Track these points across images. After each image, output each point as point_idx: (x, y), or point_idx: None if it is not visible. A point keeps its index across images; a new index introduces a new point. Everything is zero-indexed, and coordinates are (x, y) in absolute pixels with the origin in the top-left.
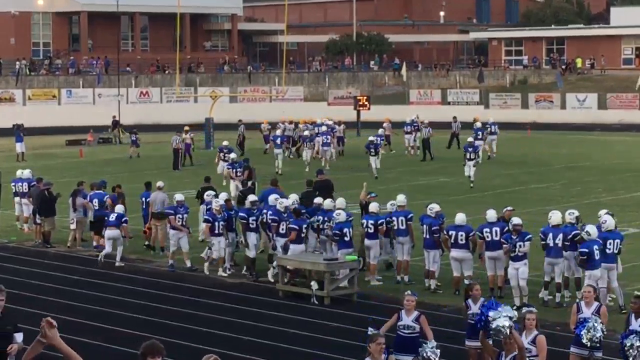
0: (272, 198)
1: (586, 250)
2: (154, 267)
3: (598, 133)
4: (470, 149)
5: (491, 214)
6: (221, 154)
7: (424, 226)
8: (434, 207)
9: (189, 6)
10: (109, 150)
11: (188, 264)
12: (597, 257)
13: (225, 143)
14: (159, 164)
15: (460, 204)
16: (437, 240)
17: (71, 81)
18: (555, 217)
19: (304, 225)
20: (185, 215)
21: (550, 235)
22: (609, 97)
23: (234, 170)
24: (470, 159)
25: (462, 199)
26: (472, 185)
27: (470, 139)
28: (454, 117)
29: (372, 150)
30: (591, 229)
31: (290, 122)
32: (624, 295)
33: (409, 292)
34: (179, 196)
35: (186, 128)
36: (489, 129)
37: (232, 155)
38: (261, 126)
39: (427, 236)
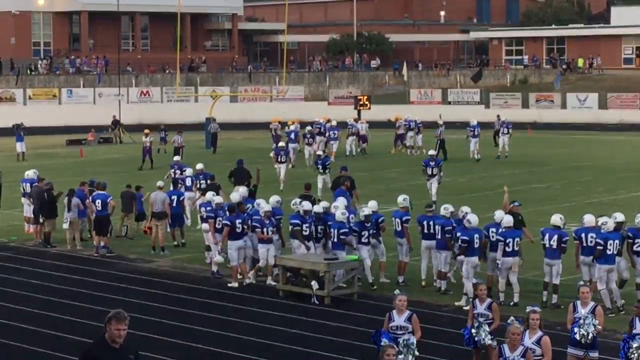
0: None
1: (467, 238)
2: (154, 266)
3: (598, 133)
4: (431, 164)
5: (499, 215)
6: (172, 171)
7: (435, 226)
8: (449, 207)
9: (189, 6)
10: (109, 150)
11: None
12: (476, 245)
13: (176, 158)
14: (159, 163)
15: (461, 204)
16: (449, 241)
17: (72, 81)
18: (554, 218)
19: (238, 221)
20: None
21: (547, 236)
22: (609, 97)
23: (198, 182)
24: (431, 175)
25: (463, 199)
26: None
27: (431, 152)
28: (498, 116)
29: (320, 167)
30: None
31: (280, 122)
32: (621, 295)
33: (398, 291)
34: (218, 199)
35: (146, 131)
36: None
37: (199, 166)
38: (270, 125)
39: (439, 237)
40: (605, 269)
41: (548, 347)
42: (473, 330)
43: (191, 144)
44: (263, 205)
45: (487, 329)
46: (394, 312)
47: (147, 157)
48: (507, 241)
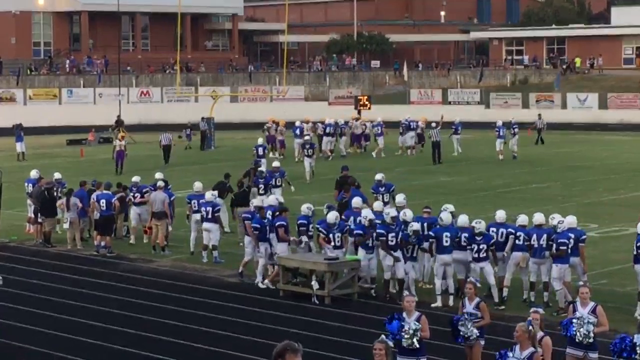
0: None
1: (433, 234)
2: (154, 266)
3: (599, 132)
4: (381, 189)
5: (500, 215)
6: (131, 194)
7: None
8: (449, 208)
9: (189, 6)
10: (109, 150)
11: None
12: (446, 244)
13: (135, 179)
14: (159, 162)
15: (461, 204)
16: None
17: (72, 81)
18: (538, 217)
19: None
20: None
21: (535, 236)
22: (609, 97)
23: (132, 195)
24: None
25: (463, 198)
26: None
27: (378, 176)
28: (539, 115)
29: (262, 187)
30: (444, 215)
31: (275, 122)
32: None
33: (406, 292)
34: (256, 201)
35: (121, 134)
36: (511, 129)
37: (158, 175)
38: (264, 126)
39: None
40: (564, 268)
41: (548, 348)
42: (460, 325)
43: (191, 144)
44: (329, 216)
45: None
46: (404, 313)
47: (119, 162)
48: (518, 234)
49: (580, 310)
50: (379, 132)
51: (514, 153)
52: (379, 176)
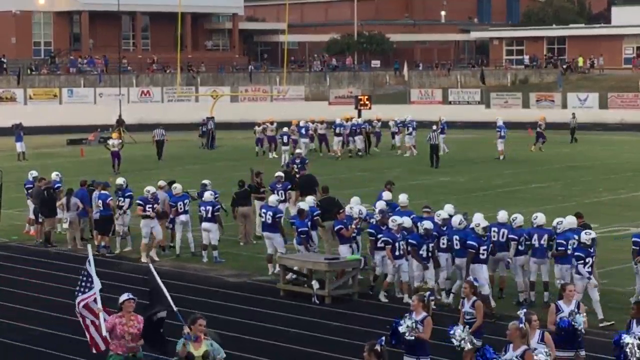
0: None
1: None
2: (155, 266)
3: (599, 132)
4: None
5: (502, 215)
6: (148, 207)
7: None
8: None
9: (190, 5)
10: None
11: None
12: (457, 247)
13: (149, 188)
14: (158, 162)
15: (461, 204)
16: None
17: (72, 80)
18: (540, 217)
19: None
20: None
21: (535, 236)
22: (610, 97)
23: (117, 199)
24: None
25: (463, 198)
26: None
27: (388, 195)
28: (573, 114)
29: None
30: (477, 217)
31: (272, 123)
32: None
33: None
34: (304, 205)
35: (114, 135)
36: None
37: (120, 180)
38: (255, 127)
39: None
40: (566, 268)
41: (551, 343)
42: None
43: (192, 143)
44: (396, 218)
45: (463, 334)
46: (414, 313)
47: (115, 162)
48: (521, 239)
49: (564, 309)
50: (411, 131)
51: (501, 155)
52: (388, 195)
